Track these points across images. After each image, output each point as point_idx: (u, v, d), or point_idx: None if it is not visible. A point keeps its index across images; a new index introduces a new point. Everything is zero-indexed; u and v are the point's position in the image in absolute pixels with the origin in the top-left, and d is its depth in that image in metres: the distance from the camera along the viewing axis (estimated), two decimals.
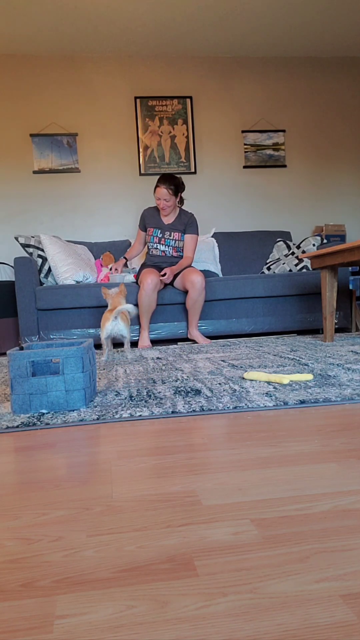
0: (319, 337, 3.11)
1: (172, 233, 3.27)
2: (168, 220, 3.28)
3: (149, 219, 3.31)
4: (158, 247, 3.30)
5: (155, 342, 3.56)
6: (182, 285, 3.16)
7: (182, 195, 3.33)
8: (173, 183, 3.14)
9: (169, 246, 3.29)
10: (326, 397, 1.33)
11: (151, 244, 3.31)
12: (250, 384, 1.58)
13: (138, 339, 3.19)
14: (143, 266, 3.33)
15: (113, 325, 2.44)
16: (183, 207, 3.39)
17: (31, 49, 4.05)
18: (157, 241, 3.29)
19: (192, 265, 3.38)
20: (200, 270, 3.68)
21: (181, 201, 3.30)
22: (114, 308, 2.49)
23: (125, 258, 3.44)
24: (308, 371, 1.75)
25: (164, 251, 3.30)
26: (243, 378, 1.68)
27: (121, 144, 4.29)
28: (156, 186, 3.15)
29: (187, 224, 3.27)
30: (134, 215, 4.31)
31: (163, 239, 3.28)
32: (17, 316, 3.42)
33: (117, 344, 3.43)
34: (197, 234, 3.31)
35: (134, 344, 3.38)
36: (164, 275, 3.08)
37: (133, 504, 0.74)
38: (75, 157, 4.20)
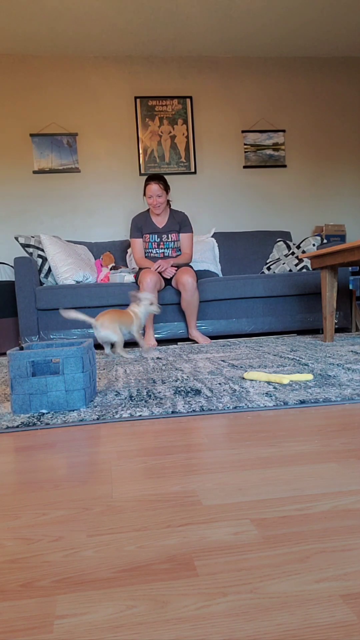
0: (319, 337, 3.11)
1: (170, 235, 3.27)
2: (161, 223, 3.28)
3: (144, 226, 3.28)
4: (157, 251, 3.29)
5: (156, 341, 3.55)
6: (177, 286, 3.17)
7: (169, 197, 3.33)
8: (163, 180, 3.17)
9: (168, 248, 3.29)
10: (326, 397, 1.33)
11: (149, 250, 3.30)
12: (250, 383, 1.58)
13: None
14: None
15: (98, 334, 2.47)
16: (173, 208, 3.38)
17: (31, 49, 4.05)
18: (155, 246, 3.28)
19: (190, 264, 3.37)
20: (201, 271, 3.68)
21: (168, 202, 3.30)
22: (110, 311, 2.53)
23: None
24: (308, 371, 1.75)
25: (162, 253, 3.30)
26: (243, 378, 1.68)
27: (121, 144, 4.29)
28: (146, 184, 3.17)
29: (181, 223, 3.28)
30: (133, 215, 4.30)
31: (162, 243, 3.28)
32: (17, 316, 3.42)
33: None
34: (192, 232, 3.32)
35: (137, 344, 3.37)
36: (158, 267, 3.07)
37: (133, 504, 0.74)
38: (75, 157, 4.20)
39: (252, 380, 1.64)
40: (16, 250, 4.16)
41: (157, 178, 3.16)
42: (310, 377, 1.58)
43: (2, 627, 0.47)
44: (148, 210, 3.31)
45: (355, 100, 4.58)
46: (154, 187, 3.14)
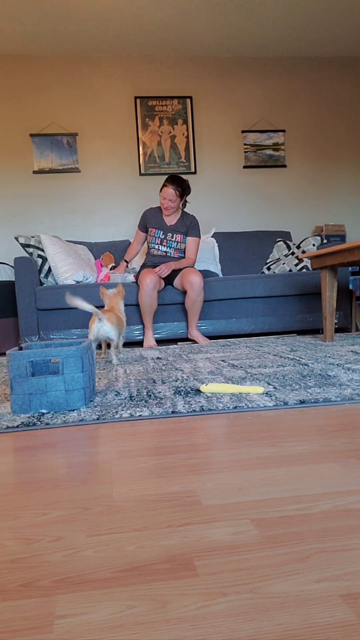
0: (319, 337, 3.11)
1: (175, 235, 3.27)
2: (170, 221, 3.29)
3: (151, 220, 3.30)
4: (159, 247, 3.30)
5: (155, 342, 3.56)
6: (182, 286, 3.17)
7: (187, 198, 3.33)
8: (181, 185, 3.16)
9: (170, 247, 3.30)
10: (326, 397, 1.33)
11: (152, 244, 3.32)
12: (251, 383, 1.58)
13: (143, 339, 3.21)
14: (143, 266, 3.34)
15: (99, 327, 2.23)
16: (185, 210, 3.40)
17: (31, 49, 4.05)
18: (158, 242, 3.29)
19: (193, 266, 3.38)
20: (201, 270, 3.68)
21: (184, 203, 3.30)
22: (109, 309, 2.44)
23: (125, 261, 3.45)
24: (308, 371, 1.75)
25: (165, 251, 3.30)
26: (199, 390, 1.53)
27: (121, 144, 4.29)
28: (163, 185, 3.16)
29: (189, 226, 3.28)
30: (134, 215, 4.30)
31: (165, 240, 3.29)
32: (17, 316, 3.42)
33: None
34: (199, 237, 3.31)
35: (139, 344, 3.38)
36: (160, 271, 3.08)
37: (133, 504, 0.74)
38: (75, 157, 4.21)
39: (212, 392, 1.48)
40: (16, 250, 4.16)
41: (175, 182, 3.14)
42: (260, 390, 1.46)
43: (2, 627, 0.47)
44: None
45: (355, 100, 4.58)
46: (169, 192, 3.14)
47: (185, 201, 3.29)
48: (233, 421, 1.18)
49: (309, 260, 3.31)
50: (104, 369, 2.14)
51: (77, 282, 3.30)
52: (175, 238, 3.28)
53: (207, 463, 0.90)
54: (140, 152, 4.29)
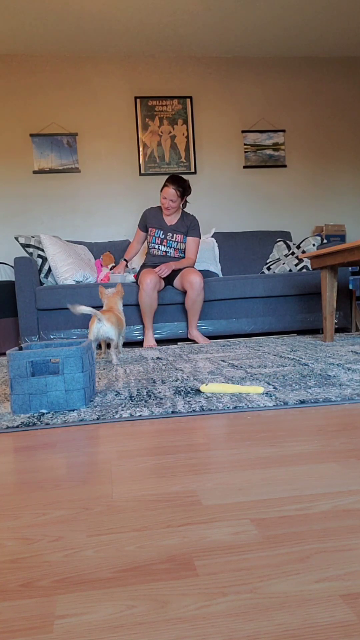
0: (319, 337, 3.11)
1: (175, 235, 3.27)
2: (171, 221, 3.29)
3: (151, 220, 3.30)
4: (160, 247, 3.30)
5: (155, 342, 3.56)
6: (182, 286, 3.17)
7: (187, 198, 3.33)
8: (182, 185, 3.15)
9: (170, 247, 3.30)
10: (326, 397, 1.33)
11: (152, 244, 3.32)
12: (251, 383, 1.58)
13: (143, 339, 3.21)
14: (143, 266, 3.34)
15: (99, 327, 2.25)
16: (185, 210, 3.40)
17: (31, 49, 4.05)
18: (158, 242, 3.29)
19: (193, 266, 3.38)
20: (201, 270, 3.68)
21: (184, 204, 3.30)
22: (108, 309, 2.44)
23: (125, 260, 3.46)
24: (308, 371, 1.75)
25: (165, 251, 3.30)
26: (199, 390, 1.53)
27: (121, 144, 4.29)
28: (164, 185, 3.16)
29: (189, 226, 3.28)
30: (134, 215, 4.30)
31: (165, 240, 3.28)
32: (17, 316, 3.42)
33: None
34: (200, 237, 3.31)
35: (139, 344, 3.38)
36: (160, 271, 3.09)
37: (133, 504, 0.74)
38: (75, 157, 4.21)
39: (212, 392, 1.48)
40: (16, 250, 4.16)
41: (176, 182, 3.14)
42: (260, 390, 1.45)
43: (2, 627, 0.47)
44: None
45: (355, 100, 4.58)
46: (170, 192, 3.13)
47: (186, 201, 3.29)
48: (233, 421, 1.18)
49: (309, 260, 3.31)
50: (104, 369, 2.14)
51: (77, 282, 3.30)
52: (176, 238, 3.28)
53: (207, 463, 0.90)
54: (140, 152, 4.29)
